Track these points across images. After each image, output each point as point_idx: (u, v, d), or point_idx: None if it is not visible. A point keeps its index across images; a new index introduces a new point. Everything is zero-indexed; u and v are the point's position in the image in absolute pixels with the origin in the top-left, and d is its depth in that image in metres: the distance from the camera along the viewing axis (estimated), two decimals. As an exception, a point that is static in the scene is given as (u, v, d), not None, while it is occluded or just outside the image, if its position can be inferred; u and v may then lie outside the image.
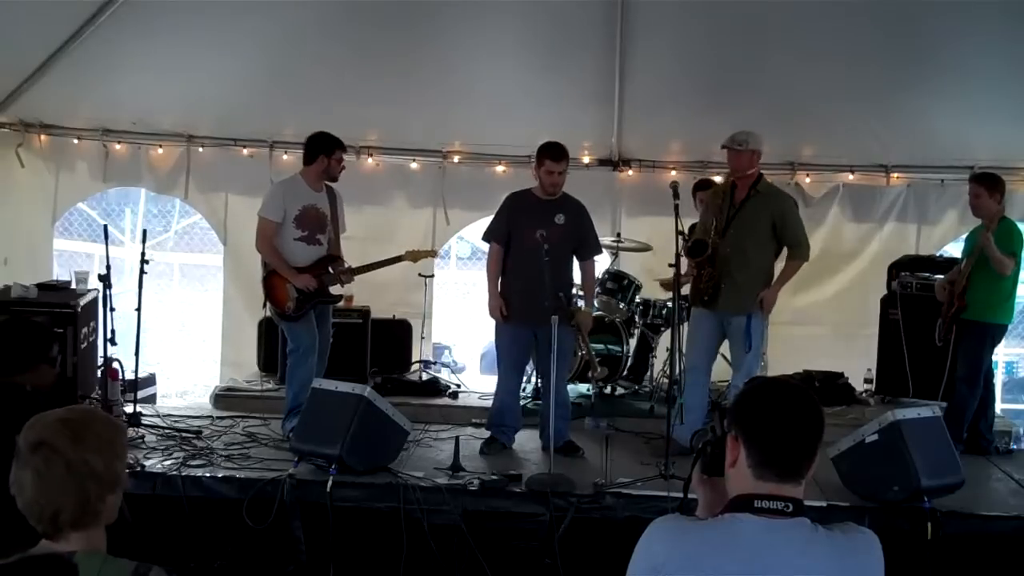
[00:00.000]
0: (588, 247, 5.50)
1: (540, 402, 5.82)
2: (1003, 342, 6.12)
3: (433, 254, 6.63)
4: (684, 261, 5.33)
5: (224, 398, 6.56)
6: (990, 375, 5.79)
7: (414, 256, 5.93)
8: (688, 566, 1.79)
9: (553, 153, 5.27)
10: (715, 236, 5.28)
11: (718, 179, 6.34)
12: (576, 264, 5.62)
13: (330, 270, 5.54)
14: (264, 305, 5.67)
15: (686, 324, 6.13)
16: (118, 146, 7.49)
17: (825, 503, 4.42)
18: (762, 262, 5.37)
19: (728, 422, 1.91)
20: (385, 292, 7.48)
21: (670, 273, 5.29)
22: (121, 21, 6.18)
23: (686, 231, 5.65)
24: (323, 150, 5.49)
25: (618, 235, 7.20)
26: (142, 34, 6.34)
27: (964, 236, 8.13)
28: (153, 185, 7.87)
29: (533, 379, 6.70)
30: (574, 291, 6.85)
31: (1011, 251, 5.45)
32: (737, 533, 1.82)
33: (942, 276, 6.40)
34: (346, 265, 5.64)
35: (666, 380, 6.28)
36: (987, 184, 5.57)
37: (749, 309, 5.29)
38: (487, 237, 5.58)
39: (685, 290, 5.79)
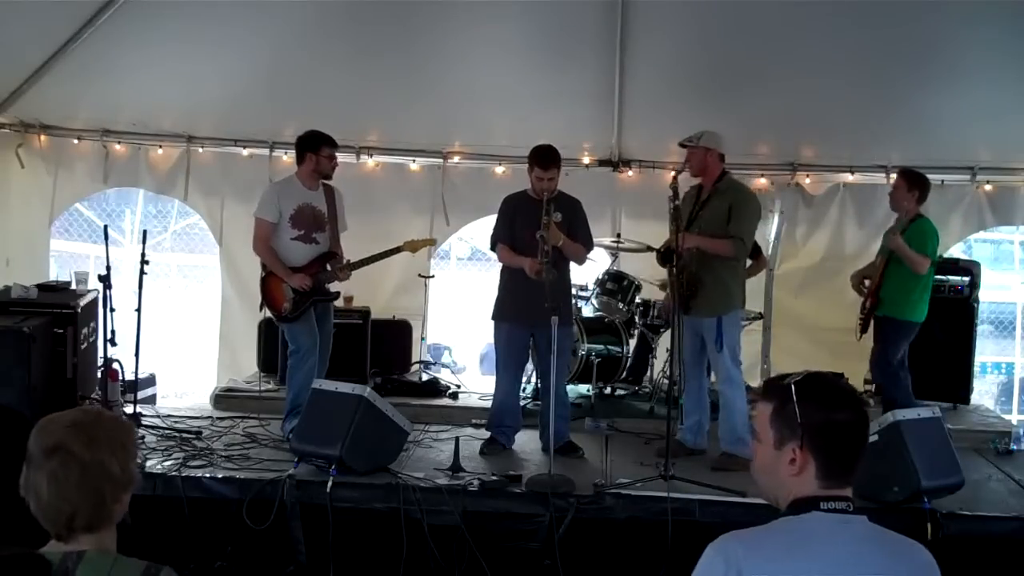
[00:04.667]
0: (580, 242, 5.44)
1: (540, 403, 5.81)
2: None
3: (432, 243, 6.61)
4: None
5: (224, 399, 6.56)
6: (904, 370, 5.82)
7: (413, 246, 5.89)
8: (770, 568, 1.75)
9: (542, 161, 5.25)
10: (673, 237, 5.17)
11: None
12: (575, 265, 5.67)
13: (327, 267, 5.54)
14: (261, 308, 5.66)
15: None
16: (118, 146, 7.49)
17: (825, 503, 4.41)
18: (724, 259, 5.26)
19: (789, 433, 1.83)
20: (385, 292, 7.50)
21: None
22: (121, 21, 6.18)
23: None
24: (309, 148, 5.52)
25: (618, 235, 7.20)
26: (142, 34, 6.34)
27: (967, 238, 8.22)
28: (152, 186, 7.87)
29: (533, 380, 6.70)
30: (581, 293, 6.92)
31: (924, 251, 5.52)
32: (811, 531, 1.80)
33: (941, 277, 6.42)
34: (344, 261, 5.64)
35: (666, 380, 6.29)
36: (908, 179, 5.67)
37: (719, 311, 5.24)
38: (494, 241, 5.55)
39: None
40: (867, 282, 5.88)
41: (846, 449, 1.84)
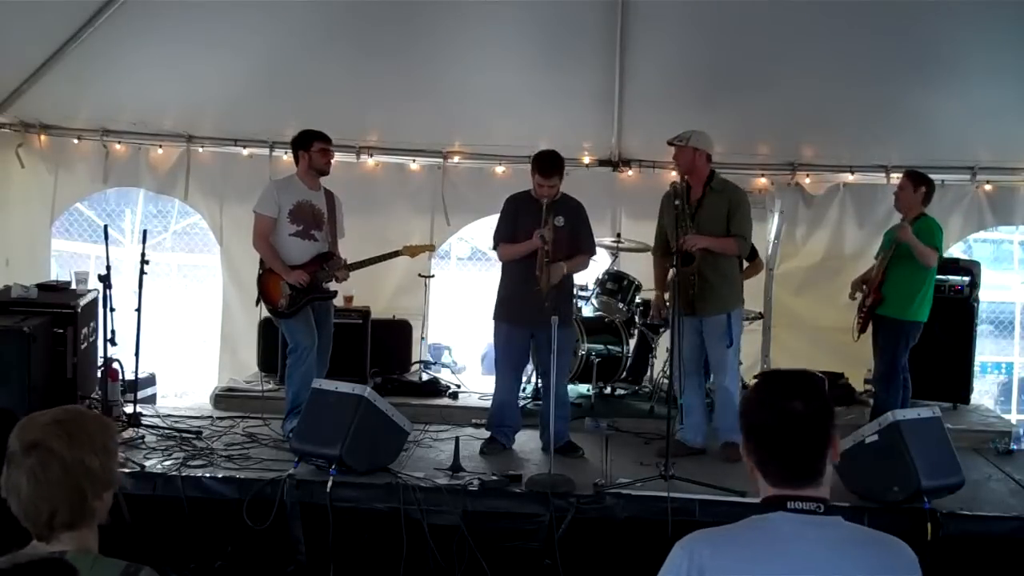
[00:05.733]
0: (582, 246, 5.48)
1: (540, 402, 5.81)
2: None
3: (431, 248, 6.63)
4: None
5: (224, 398, 6.56)
6: (905, 373, 5.80)
7: (412, 251, 5.91)
8: (734, 568, 1.75)
9: (543, 168, 5.24)
10: (679, 240, 5.24)
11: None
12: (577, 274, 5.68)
13: (325, 267, 5.55)
14: (257, 303, 5.67)
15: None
16: (118, 146, 7.49)
17: (825, 503, 4.42)
18: (729, 257, 5.39)
19: (743, 433, 1.87)
20: (385, 292, 7.50)
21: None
22: (121, 21, 6.19)
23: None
24: (300, 146, 5.56)
25: (618, 235, 7.20)
26: (142, 34, 6.34)
27: (967, 238, 8.21)
28: (153, 186, 7.87)
29: (533, 380, 6.69)
30: (582, 293, 6.91)
31: (933, 245, 5.53)
32: (777, 531, 1.79)
33: (941, 277, 6.41)
34: (343, 262, 5.65)
35: (666, 380, 6.29)
36: (913, 180, 5.70)
37: (727, 308, 5.34)
38: (496, 241, 5.54)
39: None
40: (865, 287, 5.85)
41: (782, 449, 1.81)
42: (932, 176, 7.00)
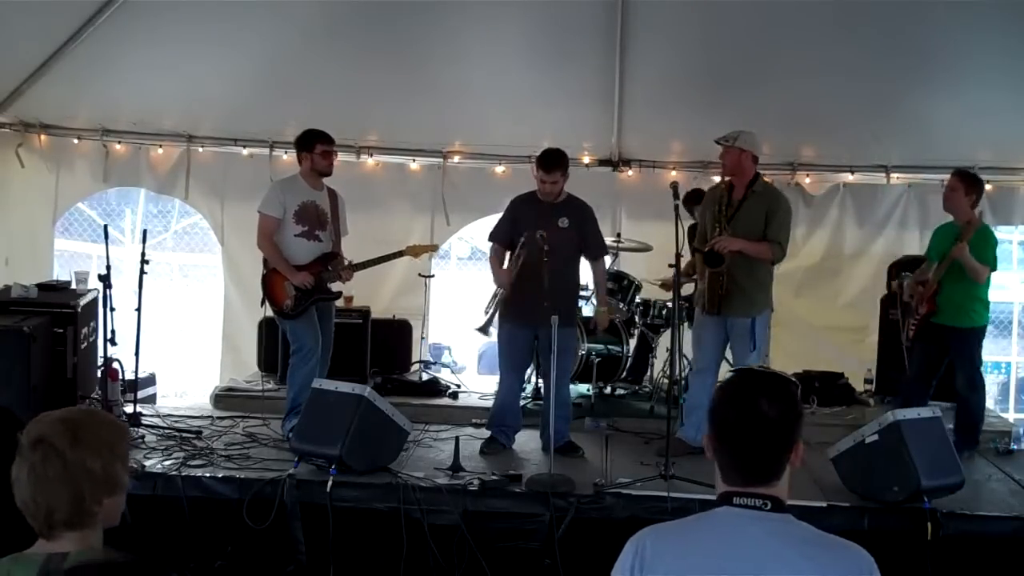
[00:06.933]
0: (592, 248, 5.50)
1: (540, 402, 5.81)
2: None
3: (434, 248, 6.63)
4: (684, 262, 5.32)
5: (224, 398, 6.56)
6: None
7: (415, 251, 5.92)
8: (672, 559, 1.79)
9: (544, 163, 5.27)
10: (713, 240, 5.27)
11: (716, 179, 6.34)
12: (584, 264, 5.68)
13: (329, 268, 5.55)
14: (263, 303, 5.67)
15: (686, 324, 6.13)
16: (118, 146, 7.50)
17: (825, 503, 4.43)
18: (763, 262, 5.37)
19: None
20: (385, 292, 7.50)
21: (670, 273, 5.29)
22: (121, 21, 6.19)
23: (686, 232, 5.66)
24: (303, 148, 5.55)
25: (618, 235, 7.20)
26: (142, 34, 6.35)
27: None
28: (153, 185, 7.88)
29: (533, 379, 6.69)
30: (582, 293, 6.91)
31: (986, 260, 5.39)
32: (718, 524, 1.82)
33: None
34: (347, 262, 5.65)
35: (666, 380, 6.29)
36: (966, 182, 5.50)
37: (753, 312, 5.30)
38: (492, 237, 5.58)
39: (686, 290, 5.80)
40: (922, 289, 5.68)
41: (741, 447, 1.83)
42: (932, 176, 7.01)
